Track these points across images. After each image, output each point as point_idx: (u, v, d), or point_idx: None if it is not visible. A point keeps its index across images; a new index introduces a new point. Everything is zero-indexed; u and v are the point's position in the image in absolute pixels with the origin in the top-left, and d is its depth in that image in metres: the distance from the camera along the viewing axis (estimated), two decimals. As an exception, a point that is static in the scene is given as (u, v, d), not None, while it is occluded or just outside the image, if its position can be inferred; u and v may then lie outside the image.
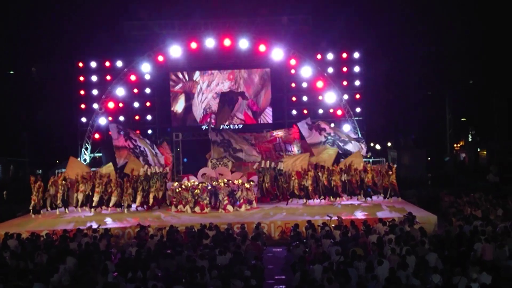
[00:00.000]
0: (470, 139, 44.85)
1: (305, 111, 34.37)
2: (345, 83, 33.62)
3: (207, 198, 24.51)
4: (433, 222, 20.62)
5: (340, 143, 28.49)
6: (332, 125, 30.04)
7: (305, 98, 34.24)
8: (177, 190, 24.94)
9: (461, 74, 40.23)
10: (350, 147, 28.48)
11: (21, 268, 13.97)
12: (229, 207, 24.26)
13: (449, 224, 18.42)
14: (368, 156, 31.87)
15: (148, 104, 34.57)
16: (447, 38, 39.85)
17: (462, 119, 45.69)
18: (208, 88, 34.26)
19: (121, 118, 34.18)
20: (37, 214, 24.34)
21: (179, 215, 23.96)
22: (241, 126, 33.53)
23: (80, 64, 33.89)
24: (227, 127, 33.00)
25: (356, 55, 33.96)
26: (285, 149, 29.58)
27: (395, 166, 26.47)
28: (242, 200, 24.49)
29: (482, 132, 42.86)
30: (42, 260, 14.74)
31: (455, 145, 45.01)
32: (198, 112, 34.56)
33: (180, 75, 34.36)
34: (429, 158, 40.74)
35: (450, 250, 14.95)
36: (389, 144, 48.91)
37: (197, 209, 24.15)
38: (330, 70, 33.41)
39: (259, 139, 30.31)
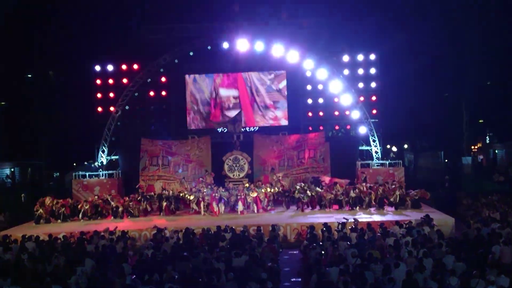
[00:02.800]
0: (487, 141, 44.42)
1: (321, 113, 34.29)
2: (361, 85, 33.34)
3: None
4: (450, 225, 20.53)
5: None
6: None
7: (320, 100, 34.06)
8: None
9: (478, 76, 39.89)
10: None
11: (39, 270, 14.08)
12: (240, 206, 25.17)
13: (467, 226, 18.28)
14: (385, 159, 31.71)
15: (164, 106, 34.67)
16: (463, 39, 39.55)
17: (480, 121, 45.28)
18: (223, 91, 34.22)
19: (138, 121, 34.35)
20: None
21: (195, 218, 24.09)
22: (256, 128, 33.42)
23: (97, 67, 34.06)
24: (242, 129, 32.94)
25: (372, 57, 33.72)
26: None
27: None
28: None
29: (499, 133, 42.41)
30: (60, 262, 14.83)
31: (472, 147, 44.65)
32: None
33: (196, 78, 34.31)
34: (446, 160, 40.49)
35: (468, 252, 14.84)
36: (405, 146, 48.70)
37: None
38: (346, 72, 33.24)
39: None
